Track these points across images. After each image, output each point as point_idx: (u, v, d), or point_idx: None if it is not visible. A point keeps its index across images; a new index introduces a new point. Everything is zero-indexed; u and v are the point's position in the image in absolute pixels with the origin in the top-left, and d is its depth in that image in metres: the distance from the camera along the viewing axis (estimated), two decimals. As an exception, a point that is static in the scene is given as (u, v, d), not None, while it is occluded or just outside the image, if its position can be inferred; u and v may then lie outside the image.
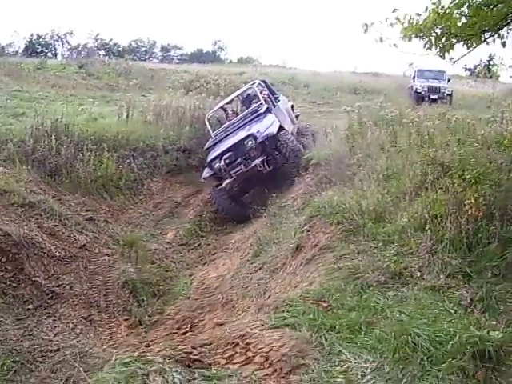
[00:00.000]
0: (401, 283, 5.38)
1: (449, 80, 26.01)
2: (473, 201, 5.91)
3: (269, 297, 6.54)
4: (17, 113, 15.17)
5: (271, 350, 4.13)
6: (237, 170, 12.04)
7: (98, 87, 24.88)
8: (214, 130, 13.90)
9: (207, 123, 14.22)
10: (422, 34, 6.98)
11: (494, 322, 4.37)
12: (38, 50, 47.83)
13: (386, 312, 4.73)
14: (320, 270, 6.08)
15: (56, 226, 9.60)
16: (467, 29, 6.77)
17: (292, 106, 16.19)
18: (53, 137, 11.85)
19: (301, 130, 15.04)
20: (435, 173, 7.25)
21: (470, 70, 42.88)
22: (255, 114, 13.18)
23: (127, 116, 15.11)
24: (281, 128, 12.44)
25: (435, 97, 23.84)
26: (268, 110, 13.12)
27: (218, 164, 12.21)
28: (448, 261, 5.58)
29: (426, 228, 6.04)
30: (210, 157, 12.64)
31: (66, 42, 49.90)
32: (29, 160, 11.25)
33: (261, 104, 13.45)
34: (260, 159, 11.98)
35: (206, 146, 13.50)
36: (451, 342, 3.93)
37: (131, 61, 34.29)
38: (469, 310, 4.79)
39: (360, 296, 5.15)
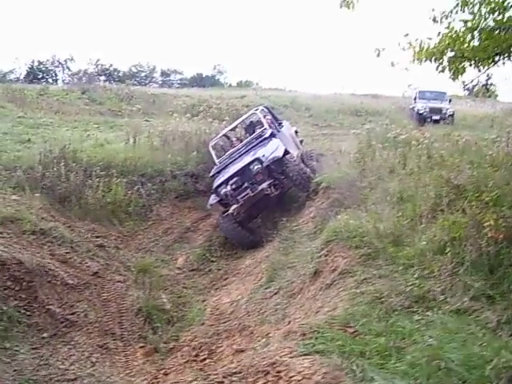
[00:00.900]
0: (425, 307, 5.35)
1: (450, 100, 26.22)
2: (492, 223, 5.91)
3: (289, 322, 6.49)
4: (23, 139, 15.17)
5: (304, 378, 4.09)
6: (243, 194, 11.87)
7: (100, 113, 24.99)
8: (218, 157, 13.81)
9: (211, 150, 14.07)
10: (434, 58, 7.06)
11: (524, 345, 4.35)
12: (39, 76, 48.16)
13: (414, 337, 4.70)
14: (342, 295, 6.05)
15: (68, 253, 9.58)
16: (479, 52, 6.85)
17: (296, 132, 16.12)
18: (61, 163, 11.89)
19: (305, 155, 14.80)
20: (450, 195, 7.26)
21: (468, 89, 43.21)
22: (260, 139, 13.09)
23: (134, 141, 15.14)
24: (286, 152, 12.25)
25: (437, 117, 24.03)
26: (272, 135, 13.04)
27: (224, 190, 12.06)
28: (470, 283, 5.56)
29: (446, 251, 6.03)
30: (216, 183, 12.50)
31: (67, 67, 50.42)
32: (38, 187, 11.26)
33: (265, 129, 13.39)
34: (267, 183, 11.82)
35: (212, 173, 13.39)
36: (488, 367, 3.90)
37: (132, 86, 34.49)
38: (496, 332, 4.76)
39: (386, 321, 5.12)
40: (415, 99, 26.66)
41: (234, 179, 12.03)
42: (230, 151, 13.79)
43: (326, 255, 7.43)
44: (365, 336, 4.86)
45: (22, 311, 7.82)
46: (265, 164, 11.89)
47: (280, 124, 14.66)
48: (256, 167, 11.96)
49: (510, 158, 8.58)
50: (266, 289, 8.56)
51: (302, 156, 13.96)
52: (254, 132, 13.98)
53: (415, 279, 5.82)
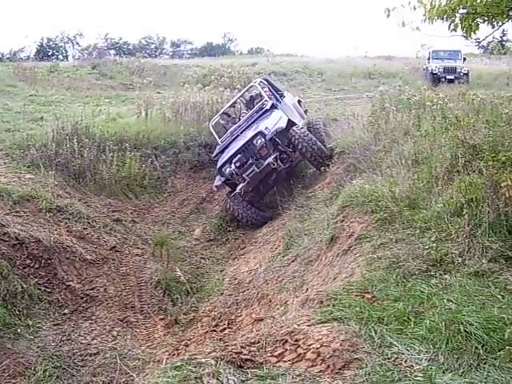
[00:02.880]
0: (443, 270, 5.29)
1: (464, 59, 25.77)
2: (510, 183, 5.79)
3: (307, 290, 6.49)
4: (35, 117, 15.27)
5: (322, 345, 4.07)
6: (249, 171, 11.31)
7: (112, 87, 24.92)
8: (220, 137, 13.34)
9: (212, 130, 13.68)
10: (445, 16, 6.88)
11: (544, 307, 4.29)
12: (50, 54, 48.14)
13: (432, 300, 4.65)
14: (359, 261, 6.00)
15: (85, 229, 9.67)
16: (493, 7, 6.65)
17: (299, 101, 15.42)
18: (74, 140, 11.92)
19: (311, 124, 13.67)
20: (466, 156, 7.13)
21: (483, 46, 42.51)
22: (261, 112, 12.58)
23: (146, 114, 15.14)
24: (290, 123, 11.80)
25: (452, 77, 23.64)
26: (274, 106, 12.54)
27: (228, 169, 11.58)
28: (488, 245, 5.48)
29: (463, 213, 5.93)
30: (220, 163, 12.01)
31: (77, 43, 50.37)
32: (52, 164, 11.32)
33: (265, 101, 12.84)
34: (272, 157, 11.27)
35: (214, 154, 13.04)
36: (508, 330, 3.86)
37: (142, 58, 34.33)
38: (516, 294, 4.70)
39: (404, 285, 5.07)
40: (429, 59, 26.23)
41: (238, 157, 11.45)
42: (232, 128, 13.20)
43: (341, 221, 7.37)
44: (382, 301, 4.82)
45: (43, 288, 7.96)
46: (268, 137, 11.35)
47: (281, 95, 14.08)
48: (259, 141, 11.41)
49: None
50: (283, 256, 8.56)
51: (309, 125, 13.19)
52: (254, 106, 13.42)
53: (432, 242, 5.74)
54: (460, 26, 6.85)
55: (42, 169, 10.86)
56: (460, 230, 5.78)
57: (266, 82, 14.53)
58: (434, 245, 5.68)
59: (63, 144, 11.84)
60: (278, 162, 11.35)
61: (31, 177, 10.49)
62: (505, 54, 29.97)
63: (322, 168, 10.96)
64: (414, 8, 6.98)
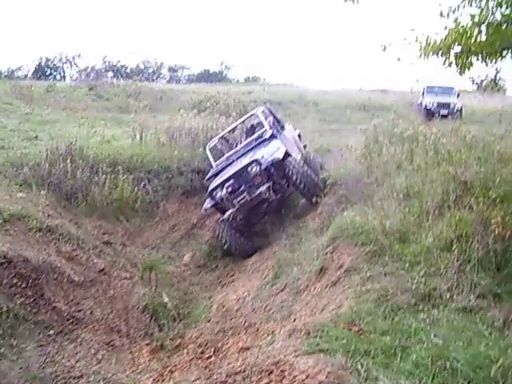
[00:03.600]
0: (431, 305, 5.32)
1: (458, 95, 26.08)
2: (499, 220, 5.87)
3: (294, 320, 6.47)
4: (30, 136, 15.24)
5: (308, 377, 4.06)
6: (240, 198, 11.06)
7: (108, 109, 24.94)
8: (215, 160, 13.22)
9: (208, 153, 13.55)
10: (441, 53, 7.01)
11: (531, 345, 4.31)
12: (47, 73, 48.25)
13: (419, 335, 4.66)
14: (347, 293, 6.02)
15: (74, 250, 9.59)
16: (487, 46, 6.79)
17: (299, 135, 15.26)
18: (68, 160, 11.92)
19: (308, 160, 13.21)
20: (457, 191, 7.23)
21: (476, 84, 43.10)
22: (259, 141, 12.43)
23: (140, 138, 15.16)
24: (287, 154, 11.59)
25: (445, 112, 23.87)
26: (273, 136, 12.35)
27: (219, 193, 11.35)
28: (477, 281, 5.54)
29: (453, 248, 6.00)
30: (211, 186, 11.75)
31: (75, 64, 50.50)
32: (45, 184, 11.30)
33: (265, 130, 12.68)
34: (265, 186, 11.02)
35: (207, 177, 12.83)
36: (494, 367, 3.86)
37: (140, 82, 34.49)
38: (503, 331, 4.72)
39: (392, 319, 5.09)
40: (423, 94, 26.54)
41: (230, 182, 11.26)
42: (228, 153, 13.11)
43: (331, 252, 7.40)
44: (370, 334, 4.83)
45: (29, 308, 7.84)
46: (263, 166, 11.15)
47: (282, 126, 14.01)
48: (254, 169, 11.17)
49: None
50: (272, 286, 8.54)
51: (306, 160, 12.81)
52: (254, 134, 13.31)
53: (421, 277, 5.78)
54: (454, 62, 6.99)
55: (34, 188, 10.84)
56: (449, 266, 5.82)
57: (268, 112, 14.36)
58: (423, 279, 5.71)
59: (56, 164, 11.82)
60: (271, 192, 11.15)
61: (23, 195, 10.46)
62: (498, 91, 30.40)
63: (314, 199, 10.86)
64: (410, 44, 7.12)
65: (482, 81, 40.38)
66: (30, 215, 9.59)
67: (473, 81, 42.70)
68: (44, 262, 8.53)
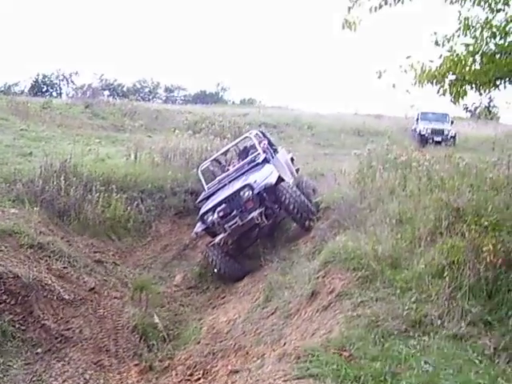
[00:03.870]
0: (422, 331, 5.32)
1: (452, 122, 26.29)
2: (491, 247, 5.90)
3: (285, 344, 6.43)
4: (24, 152, 15.18)
5: (297, 401, 4.05)
6: (232, 223, 10.90)
7: (103, 127, 24.98)
8: (207, 183, 13.10)
9: (200, 175, 13.45)
10: (435, 81, 7.08)
11: (521, 373, 4.31)
12: (44, 90, 48.37)
13: (410, 362, 4.66)
14: (338, 318, 6.01)
15: (65, 267, 9.56)
16: (481, 76, 6.87)
17: (292, 159, 15.15)
18: (62, 177, 11.87)
19: (301, 184, 13.20)
20: (449, 218, 7.26)
21: (470, 111, 43.33)
22: (252, 165, 12.36)
23: (135, 157, 15.16)
24: (280, 179, 11.49)
25: (439, 139, 24.08)
26: (266, 160, 12.29)
27: (211, 217, 11.20)
28: (468, 308, 5.54)
29: (444, 275, 6.01)
30: (203, 210, 11.64)
31: (71, 81, 50.65)
32: (37, 200, 11.21)
33: (258, 154, 12.61)
34: (258, 211, 10.92)
35: (199, 200, 12.75)
36: (484, 396, 3.86)
37: (136, 101, 34.60)
38: (493, 359, 4.72)
39: (382, 345, 5.08)
40: (417, 120, 26.76)
41: (222, 206, 11.14)
42: (221, 176, 13.00)
43: (323, 276, 7.39)
44: (360, 360, 4.82)
45: (17, 326, 7.81)
46: (256, 191, 11.06)
47: (275, 150, 13.96)
48: (246, 194, 11.07)
49: (510, 181, 8.59)
50: (263, 309, 8.50)
51: (298, 185, 12.85)
52: (247, 157, 13.24)
53: (412, 303, 5.78)
54: (449, 91, 7.06)
55: (27, 204, 10.79)
56: (440, 292, 5.84)
57: (261, 135, 14.35)
58: (414, 305, 5.73)
59: (50, 181, 11.76)
60: (263, 217, 11.02)
61: (15, 211, 10.41)
62: (491, 119, 30.65)
63: (307, 223, 10.85)
64: (405, 71, 7.20)
65: (475, 108, 40.64)
66: (22, 231, 9.57)
67: (466, 108, 43.00)
68: (34, 279, 8.49)
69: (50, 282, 8.79)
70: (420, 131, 25.45)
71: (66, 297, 8.81)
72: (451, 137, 24.75)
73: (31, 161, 13.94)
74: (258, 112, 32.68)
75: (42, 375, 7.26)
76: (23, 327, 7.84)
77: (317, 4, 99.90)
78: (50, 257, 9.53)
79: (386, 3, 6.65)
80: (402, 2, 6.69)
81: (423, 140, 24.31)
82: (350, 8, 6.77)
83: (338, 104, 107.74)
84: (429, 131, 25.08)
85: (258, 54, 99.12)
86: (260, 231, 11.48)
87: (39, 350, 7.69)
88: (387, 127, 29.03)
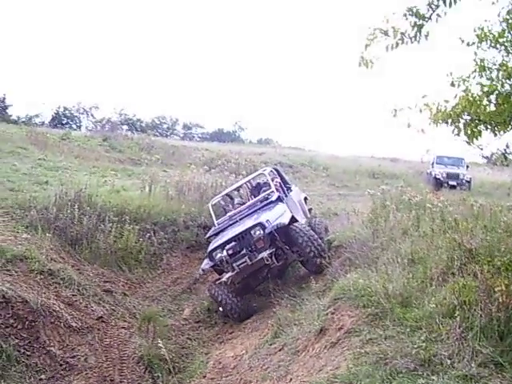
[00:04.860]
0: (431, 371, 5.21)
1: (467, 167, 26.26)
2: (504, 288, 5.80)
3: (291, 380, 6.35)
4: (41, 181, 15.36)
5: None
6: (240, 262, 10.62)
7: (120, 160, 25.25)
8: (218, 218, 12.80)
9: (211, 210, 13.10)
10: (450, 121, 7.08)
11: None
12: (64, 122, 49.13)
13: (417, 400, 4.55)
14: (346, 354, 5.90)
15: (74, 295, 9.56)
16: (496, 116, 6.86)
17: (305, 198, 14.87)
18: (76, 206, 11.88)
19: (313, 225, 12.66)
20: (462, 258, 7.16)
21: (486, 157, 43.32)
22: (265, 203, 12.05)
23: (150, 190, 15.24)
24: (293, 219, 11.32)
25: (454, 183, 24.04)
26: (279, 199, 12.04)
27: (219, 254, 10.86)
28: (479, 349, 5.42)
29: (455, 314, 5.91)
30: (212, 246, 11.33)
31: (91, 115, 51.50)
32: (51, 228, 11.25)
33: (271, 192, 12.29)
34: (268, 252, 10.66)
35: (208, 235, 12.47)
36: None
37: (153, 136, 34.98)
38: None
39: (389, 382, 4.98)
40: (433, 164, 26.77)
41: (232, 244, 10.86)
42: (232, 212, 12.60)
43: (332, 313, 7.29)
44: (366, 397, 4.72)
45: (22, 350, 7.81)
46: (268, 230, 10.76)
47: (289, 188, 13.69)
48: (257, 233, 10.80)
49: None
50: (270, 345, 8.40)
51: (311, 225, 12.39)
52: (259, 194, 12.93)
53: (422, 342, 5.68)
54: (463, 131, 7.04)
55: (40, 231, 10.83)
56: (451, 332, 5.73)
57: (275, 172, 14.08)
58: (424, 344, 5.63)
59: (64, 209, 11.79)
60: (273, 258, 10.79)
61: (28, 237, 10.45)
62: (507, 165, 30.48)
63: (318, 262, 10.48)
64: (421, 111, 7.20)
65: (492, 154, 40.56)
66: (33, 257, 9.62)
67: (482, 155, 43.01)
68: (42, 304, 8.52)
69: (57, 308, 8.80)
70: (435, 175, 25.45)
71: (74, 324, 8.80)
72: (466, 181, 24.72)
73: (47, 189, 14.05)
74: (274, 151, 32.94)
75: (44, 402, 7.20)
76: (28, 352, 7.83)
77: (335, 45, 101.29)
78: (59, 284, 9.54)
79: (402, 42, 6.70)
80: (418, 42, 6.72)
81: (438, 184, 24.28)
82: (366, 46, 6.82)
83: (355, 147, 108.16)
84: (444, 175, 25.08)
85: (277, 94, 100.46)
86: (269, 272, 11.23)
87: (43, 377, 7.67)
88: (402, 170, 29.10)
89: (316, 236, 11.08)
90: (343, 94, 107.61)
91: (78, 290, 9.73)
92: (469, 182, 24.83)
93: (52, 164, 19.11)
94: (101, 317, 9.50)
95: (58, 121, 48.18)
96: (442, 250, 7.86)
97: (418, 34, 6.65)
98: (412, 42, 6.74)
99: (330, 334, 6.85)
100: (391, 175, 27.65)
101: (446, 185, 23.77)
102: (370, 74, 7.29)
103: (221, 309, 10.85)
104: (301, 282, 10.96)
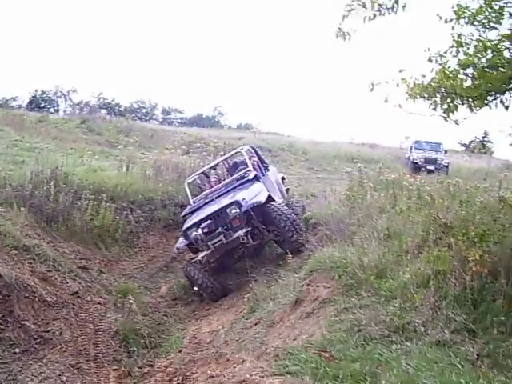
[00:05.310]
0: (405, 337, 5.25)
1: (445, 152, 26.46)
2: (477, 258, 5.84)
3: (266, 349, 6.33)
4: (16, 160, 15.13)
5: (272, 395, 3.96)
6: (216, 241, 10.54)
7: (98, 143, 24.97)
8: (193, 197, 12.72)
9: (187, 188, 13.03)
10: (427, 95, 7.09)
11: (503, 378, 4.24)
12: (41, 105, 48.43)
13: (390, 364, 4.59)
14: (321, 323, 5.93)
15: (49, 271, 9.46)
16: (472, 90, 6.88)
17: (283, 178, 14.78)
18: (52, 183, 11.74)
19: (290, 204, 12.87)
20: (437, 232, 7.19)
21: (464, 145, 43.80)
22: (241, 181, 11.92)
23: (127, 169, 15.12)
24: (270, 198, 11.17)
25: (432, 167, 24.14)
26: (256, 178, 11.92)
27: (194, 233, 10.79)
28: (452, 317, 5.48)
29: (430, 284, 5.96)
30: (187, 225, 11.30)
31: (69, 98, 50.77)
32: (26, 204, 11.08)
33: (248, 170, 12.21)
34: (244, 231, 10.57)
35: (184, 213, 12.41)
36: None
37: (132, 120, 34.65)
38: (476, 364, 4.65)
39: (363, 348, 5.01)
40: (411, 149, 26.94)
41: (207, 222, 10.78)
42: (208, 191, 12.55)
43: (308, 284, 7.32)
44: (340, 361, 4.75)
45: (-5, 324, 7.67)
46: (244, 208, 10.70)
47: (266, 168, 13.61)
48: (233, 211, 10.70)
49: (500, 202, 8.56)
50: (246, 319, 8.44)
51: (288, 204, 12.54)
52: (236, 172, 12.83)
53: (396, 310, 5.73)
54: (440, 105, 7.06)
55: (15, 207, 10.68)
56: (425, 301, 5.78)
57: (253, 151, 13.92)
58: (398, 312, 5.68)
59: (40, 186, 11.64)
60: (249, 237, 10.70)
61: (2, 213, 10.31)
62: (485, 153, 30.83)
63: (295, 242, 10.48)
64: (398, 85, 7.19)
65: (470, 142, 41.05)
66: (8, 232, 9.51)
67: (461, 142, 43.48)
68: (17, 279, 8.40)
69: (32, 283, 8.69)
70: (413, 159, 25.61)
71: (48, 299, 8.71)
72: (444, 166, 24.89)
73: (22, 168, 13.86)
74: (253, 136, 32.75)
75: (17, 375, 7.14)
76: (2, 326, 7.73)
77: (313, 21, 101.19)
78: (34, 259, 9.42)
79: (380, 13, 6.68)
80: (396, 13, 6.71)
81: (416, 168, 24.38)
82: (344, 17, 6.79)
83: (334, 132, 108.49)
84: (422, 160, 25.23)
85: (256, 79, 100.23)
86: (245, 251, 11.14)
87: (17, 350, 7.57)
88: (381, 155, 29.20)
89: (293, 214, 11.07)
90: (321, 75, 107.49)
91: (54, 266, 9.62)
92: (446, 166, 25.00)
93: (28, 145, 18.83)
94: (76, 292, 9.43)
95: (35, 104, 47.45)
96: (417, 225, 7.92)
97: (396, 4, 6.65)
98: (389, 13, 6.73)
99: (306, 305, 6.88)
100: (370, 160, 27.57)
101: (424, 169, 23.84)
102: (346, 47, 7.28)
103: (196, 288, 10.77)
104: (278, 259, 11.00)
